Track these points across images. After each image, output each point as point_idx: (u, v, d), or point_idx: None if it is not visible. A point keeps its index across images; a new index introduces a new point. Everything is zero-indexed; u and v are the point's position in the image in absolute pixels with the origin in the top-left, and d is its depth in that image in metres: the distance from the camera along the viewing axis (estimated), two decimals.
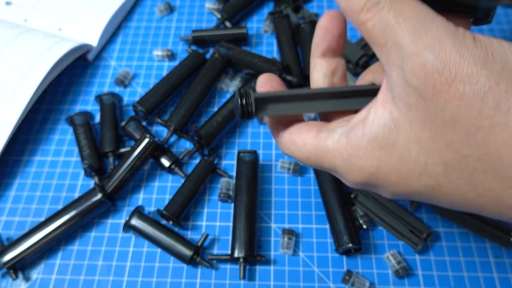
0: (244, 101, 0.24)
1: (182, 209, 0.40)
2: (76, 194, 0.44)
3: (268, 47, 0.54)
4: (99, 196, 0.40)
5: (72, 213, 0.39)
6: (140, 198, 0.43)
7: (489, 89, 0.17)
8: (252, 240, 0.38)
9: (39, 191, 0.44)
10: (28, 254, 0.38)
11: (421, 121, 0.19)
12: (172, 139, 0.47)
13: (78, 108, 0.50)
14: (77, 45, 0.50)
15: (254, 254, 0.38)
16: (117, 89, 0.51)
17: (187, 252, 0.38)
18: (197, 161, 0.45)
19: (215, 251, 0.40)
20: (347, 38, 0.50)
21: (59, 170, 0.45)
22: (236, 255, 0.37)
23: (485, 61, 0.17)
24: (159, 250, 0.40)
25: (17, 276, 0.38)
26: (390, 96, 0.21)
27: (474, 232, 0.39)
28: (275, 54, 0.53)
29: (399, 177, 0.21)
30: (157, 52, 0.53)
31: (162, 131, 0.47)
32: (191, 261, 0.38)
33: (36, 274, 0.39)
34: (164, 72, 0.52)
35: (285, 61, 0.50)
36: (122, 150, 0.45)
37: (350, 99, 0.26)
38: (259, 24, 0.56)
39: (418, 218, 0.40)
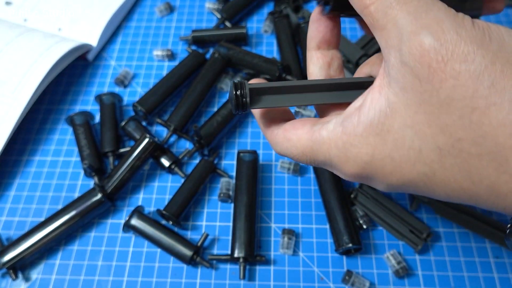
0: (239, 92, 0.24)
1: (182, 209, 0.40)
2: (76, 194, 0.44)
3: (268, 47, 0.54)
4: (99, 196, 0.40)
5: (72, 213, 0.39)
6: (140, 198, 0.43)
7: (485, 69, 0.17)
8: (252, 240, 0.38)
9: (39, 191, 0.44)
10: (28, 254, 0.38)
11: (416, 104, 0.19)
12: (172, 139, 0.47)
13: (78, 108, 0.50)
14: (77, 45, 0.50)
15: (254, 254, 0.38)
16: (117, 89, 0.51)
17: (187, 252, 0.38)
18: (197, 161, 0.45)
19: (215, 251, 0.40)
20: (347, 38, 0.50)
21: (59, 170, 0.45)
22: (236, 255, 0.37)
23: (482, 42, 0.18)
24: (159, 250, 0.40)
25: (17, 276, 0.38)
26: (387, 81, 0.21)
27: (474, 232, 0.39)
28: (275, 54, 0.53)
29: (394, 165, 0.21)
30: (157, 52, 0.53)
31: (162, 131, 0.47)
32: (191, 261, 0.38)
33: (36, 274, 0.39)
34: (164, 72, 0.52)
35: (285, 61, 0.50)
36: (122, 150, 0.45)
37: (347, 91, 0.25)
38: (259, 24, 0.56)
39: (418, 218, 0.40)
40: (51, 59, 0.48)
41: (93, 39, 0.53)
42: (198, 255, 0.38)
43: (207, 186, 0.43)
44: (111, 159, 0.44)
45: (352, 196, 0.41)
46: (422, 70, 0.18)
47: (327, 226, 0.41)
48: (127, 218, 0.39)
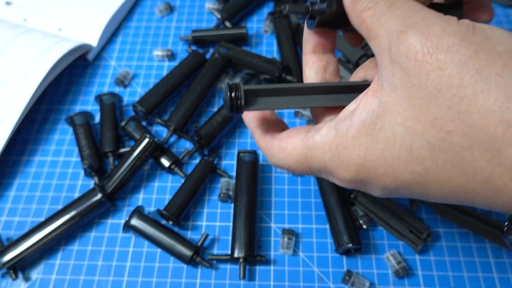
0: (233, 94, 0.24)
1: (182, 209, 0.40)
2: (76, 194, 0.44)
3: (268, 47, 0.54)
4: (99, 196, 0.40)
5: (72, 213, 0.39)
6: (140, 198, 0.43)
7: (469, 58, 0.18)
8: (252, 240, 0.38)
9: (39, 191, 0.44)
10: (28, 254, 0.38)
11: (405, 100, 0.19)
12: (172, 139, 0.47)
13: (78, 108, 0.50)
14: (77, 45, 0.50)
15: (254, 254, 0.38)
16: (117, 89, 0.51)
17: (187, 252, 0.38)
18: (197, 161, 0.45)
19: (215, 251, 0.40)
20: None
21: (59, 170, 0.45)
22: (236, 255, 0.37)
23: (466, 35, 0.18)
24: (159, 250, 0.40)
25: (17, 276, 0.38)
26: (379, 84, 0.21)
27: (474, 232, 0.39)
28: (275, 54, 0.53)
29: (387, 166, 0.21)
30: (157, 52, 0.53)
31: (162, 131, 0.47)
32: (191, 261, 0.38)
33: (36, 274, 0.39)
34: (164, 72, 0.52)
35: (285, 61, 0.50)
36: (122, 150, 0.45)
37: (342, 94, 0.25)
38: (259, 24, 0.56)
39: (418, 218, 0.40)
40: (51, 59, 0.48)
41: (93, 39, 0.53)
42: (198, 255, 0.38)
43: (207, 186, 0.43)
44: (111, 159, 0.44)
45: (352, 196, 0.41)
46: (409, 64, 0.19)
47: (327, 226, 0.41)
48: (127, 218, 0.39)
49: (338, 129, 0.22)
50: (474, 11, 0.29)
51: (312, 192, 0.43)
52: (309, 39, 0.28)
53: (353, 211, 0.40)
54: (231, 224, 0.41)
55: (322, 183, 0.41)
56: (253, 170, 0.42)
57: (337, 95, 0.25)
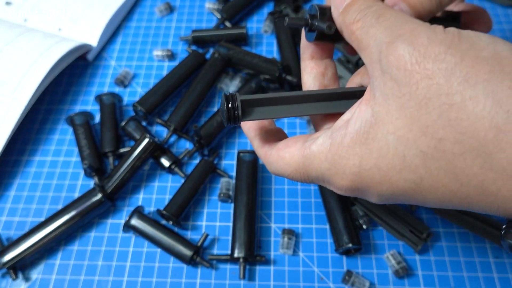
0: (230, 105, 0.24)
1: (182, 209, 0.40)
2: (76, 194, 0.44)
3: (268, 47, 0.54)
4: (99, 196, 0.40)
5: (72, 213, 0.39)
6: (140, 198, 0.43)
7: (455, 65, 0.18)
8: (252, 240, 0.38)
9: (39, 191, 0.44)
10: (28, 254, 0.38)
11: (396, 110, 0.20)
12: (172, 139, 0.47)
13: (78, 108, 0.50)
14: (77, 45, 0.50)
15: (254, 254, 0.38)
16: (117, 89, 0.51)
17: (187, 252, 0.38)
18: (197, 161, 0.45)
19: (215, 251, 0.40)
20: None
21: (59, 170, 0.45)
22: (236, 255, 0.37)
23: (451, 43, 0.19)
24: (159, 250, 0.40)
25: (17, 276, 0.38)
26: (372, 94, 0.21)
27: (474, 232, 0.39)
28: (275, 54, 0.53)
29: (381, 175, 0.21)
30: (157, 52, 0.53)
31: (162, 131, 0.47)
32: (191, 261, 0.38)
33: (36, 274, 0.39)
34: (164, 72, 0.52)
35: (285, 61, 0.50)
36: (122, 150, 0.45)
37: (338, 101, 0.26)
38: (259, 24, 0.56)
39: (418, 218, 0.40)
40: (51, 59, 0.48)
41: (93, 39, 0.53)
42: (198, 255, 0.38)
43: (207, 186, 0.43)
44: (111, 159, 0.44)
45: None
46: (399, 74, 0.19)
47: (327, 226, 0.41)
48: (127, 218, 0.39)
49: (333, 138, 0.23)
50: (471, 23, 0.30)
51: (312, 192, 0.43)
52: (307, 45, 0.28)
53: (353, 211, 0.40)
54: (231, 224, 0.41)
55: None
56: (253, 170, 0.42)
57: (334, 102, 0.26)
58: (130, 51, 0.54)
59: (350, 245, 0.37)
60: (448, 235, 0.40)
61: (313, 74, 0.28)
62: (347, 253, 0.39)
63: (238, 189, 0.41)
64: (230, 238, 0.40)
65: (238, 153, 0.43)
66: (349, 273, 0.37)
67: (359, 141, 0.21)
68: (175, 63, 0.52)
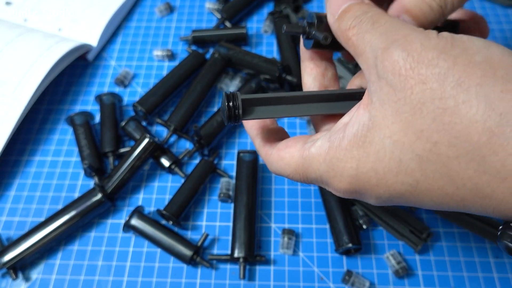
0: (231, 104, 0.24)
1: (182, 209, 0.40)
2: (76, 194, 0.44)
3: (268, 47, 0.54)
4: (99, 196, 0.40)
5: (72, 213, 0.39)
6: (140, 198, 0.43)
7: (448, 70, 0.18)
8: (252, 240, 0.38)
9: (39, 191, 0.44)
10: (28, 254, 0.38)
11: (392, 114, 0.20)
12: (172, 139, 0.47)
13: (78, 108, 0.50)
14: (77, 45, 0.50)
15: (254, 254, 0.38)
16: (117, 89, 0.51)
17: (187, 252, 0.38)
18: (197, 161, 0.45)
19: (215, 251, 0.40)
20: None
21: (59, 170, 0.45)
22: (236, 255, 0.37)
23: (444, 48, 0.19)
24: (159, 250, 0.40)
25: (17, 276, 0.38)
26: (369, 98, 0.22)
27: (474, 233, 0.39)
28: (275, 54, 0.53)
29: (378, 178, 0.21)
30: (157, 52, 0.53)
31: (162, 131, 0.47)
32: (191, 261, 0.38)
33: (36, 274, 0.39)
34: (164, 72, 0.52)
35: (285, 61, 0.50)
36: (122, 150, 0.45)
37: (338, 102, 0.26)
38: (259, 24, 0.56)
39: (418, 218, 0.40)
40: (51, 59, 0.48)
41: (93, 39, 0.53)
42: (198, 255, 0.38)
43: (207, 186, 0.43)
44: (111, 159, 0.44)
45: None
46: (394, 79, 0.20)
47: (327, 226, 0.41)
48: (127, 218, 0.39)
49: (331, 141, 0.23)
50: (469, 31, 0.30)
51: (312, 192, 0.43)
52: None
53: (353, 211, 0.40)
54: (231, 224, 0.41)
55: None
56: (253, 170, 0.42)
57: (334, 103, 0.26)
58: (130, 51, 0.54)
59: (350, 245, 0.37)
60: (448, 235, 0.40)
61: (313, 74, 0.28)
62: (347, 253, 0.39)
63: (238, 189, 0.41)
64: (230, 238, 0.40)
65: (238, 153, 0.43)
66: (349, 273, 0.37)
67: (357, 144, 0.22)
68: (175, 63, 0.52)
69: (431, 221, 0.40)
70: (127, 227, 0.39)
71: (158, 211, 0.41)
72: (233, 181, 0.43)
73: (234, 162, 0.45)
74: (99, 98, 0.48)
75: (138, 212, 0.40)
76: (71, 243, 0.41)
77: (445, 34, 0.20)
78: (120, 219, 0.42)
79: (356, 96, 0.26)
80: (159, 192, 0.43)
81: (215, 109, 0.49)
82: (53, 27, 0.54)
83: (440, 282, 0.37)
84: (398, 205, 0.40)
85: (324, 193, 0.40)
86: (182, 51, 0.54)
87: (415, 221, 0.39)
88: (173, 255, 0.38)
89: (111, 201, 0.41)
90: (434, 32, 0.20)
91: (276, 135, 0.29)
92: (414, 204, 0.22)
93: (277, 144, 0.27)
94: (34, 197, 0.43)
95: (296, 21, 0.54)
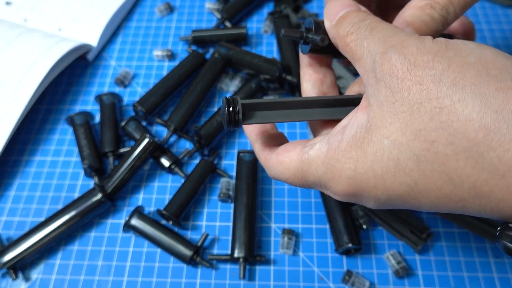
0: (231, 108, 0.24)
1: (182, 209, 0.40)
2: (76, 194, 0.44)
3: (268, 47, 0.54)
4: (99, 196, 0.40)
5: (72, 213, 0.39)
6: (140, 198, 0.43)
7: (443, 71, 0.19)
8: (252, 240, 0.38)
9: (39, 191, 0.44)
10: (28, 254, 0.38)
11: (390, 115, 0.20)
12: (172, 139, 0.47)
13: (78, 108, 0.50)
14: (77, 45, 0.50)
15: (254, 254, 0.38)
16: (117, 89, 0.51)
17: (187, 252, 0.38)
18: (197, 161, 0.45)
19: (215, 251, 0.40)
20: None
21: (59, 170, 0.45)
22: (236, 255, 0.37)
23: (439, 51, 0.20)
24: (159, 250, 0.40)
25: (17, 276, 0.38)
26: (367, 101, 0.22)
27: (474, 232, 0.39)
28: (275, 54, 0.53)
29: (376, 178, 0.21)
30: (157, 52, 0.53)
31: (162, 131, 0.47)
32: (191, 261, 0.38)
33: (36, 274, 0.39)
34: (164, 72, 0.52)
35: (285, 61, 0.50)
36: (122, 150, 0.45)
37: (337, 108, 0.26)
38: (259, 24, 0.56)
39: (418, 218, 0.40)
40: (51, 59, 0.48)
41: (93, 39, 0.53)
42: (198, 255, 0.38)
43: (207, 186, 0.43)
44: (111, 159, 0.44)
45: None
46: (392, 82, 0.20)
47: (327, 226, 0.41)
48: (127, 218, 0.39)
49: (330, 143, 0.23)
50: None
51: (312, 192, 0.43)
52: (305, 54, 0.29)
53: (353, 211, 0.40)
54: (231, 224, 0.41)
55: None
56: (253, 170, 0.42)
57: (333, 108, 0.26)
58: (130, 51, 0.54)
59: (350, 245, 0.37)
60: (448, 235, 0.40)
61: (312, 81, 0.29)
62: (347, 253, 0.39)
63: (238, 189, 0.41)
64: (230, 238, 0.40)
65: (238, 153, 0.43)
66: (349, 273, 0.37)
67: (355, 145, 0.22)
68: (175, 63, 0.52)
69: (431, 221, 0.40)
70: (127, 227, 0.39)
71: (158, 211, 0.41)
72: (233, 181, 0.43)
73: (234, 162, 0.45)
74: (99, 98, 0.48)
75: (138, 212, 0.40)
76: (71, 243, 0.41)
77: (439, 39, 0.21)
78: (120, 219, 0.42)
79: (355, 101, 0.26)
80: (159, 192, 0.43)
81: (215, 109, 0.49)
82: (53, 27, 0.54)
83: (440, 282, 0.37)
84: (396, 209, 0.40)
85: (324, 193, 0.40)
86: (182, 51, 0.54)
87: (415, 221, 0.39)
88: (173, 255, 0.38)
89: (111, 201, 0.41)
90: (429, 37, 0.21)
91: (276, 140, 0.29)
92: (412, 207, 0.22)
93: (276, 149, 0.27)
94: (34, 197, 0.43)
95: (296, 21, 0.54)
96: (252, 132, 0.29)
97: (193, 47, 0.54)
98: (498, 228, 0.20)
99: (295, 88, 0.47)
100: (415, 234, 0.38)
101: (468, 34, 0.33)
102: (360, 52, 0.23)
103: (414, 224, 0.38)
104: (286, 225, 0.41)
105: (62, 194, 0.44)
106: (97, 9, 0.55)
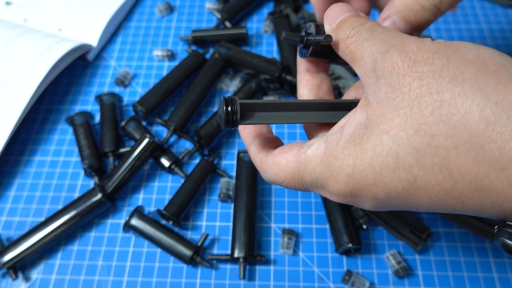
0: (229, 108, 0.24)
1: (182, 209, 0.40)
2: (76, 194, 0.44)
3: (268, 47, 0.54)
4: (99, 196, 0.40)
5: (72, 213, 0.39)
6: (140, 198, 0.43)
7: (443, 67, 0.20)
8: (252, 240, 0.38)
9: (39, 191, 0.44)
10: (28, 254, 0.38)
11: (390, 111, 0.21)
12: (172, 139, 0.47)
13: (78, 108, 0.50)
14: (77, 45, 0.50)
15: (254, 254, 0.38)
16: (117, 89, 0.51)
17: (187, 252, 0.38)
18: (197, 161, 0.45)
19: (215, 251, 0.40)
20: None
21: (59, 170, 0.45)
22: (236, 255, 0.37)
23: (438, 49, 0.21)
24: (159, 250, 0.40)
25: (17, 276, 0.38)
26: (366, 100, 0.22)
27: (474, 232, 0.39)
28: (275, 54, 0.53)
29: (375, 175, 0.21)
30: (157, 52, 0.53)
31: (162, 131, 0.47)
32: (191, 261, 0.38)
33: (36, 274, 0.39)
34: (164, 72, 0.52)
35: (285, 61, 0.50)
36: (122, 150, 0.45)
37: (334, 111, 0.27)
38: (259, 24, 0.56)
39: (418, 218, 0.40)
40: (51, 59, 0.48)
41: (93, 39, 0.53)
42: (198, 255, 0.38)
43: (207, 186, 0.43)
44: (111, 159, 0.44)
45: None
46: (393, 78, 0.21)
47: (327, 226, 0.41)
48: (127, 218, 0.39)
49: (329, 141, 0.23)
50: None
51: (312, 192, 0.43)
52: (303, 60, 0.29)
53: (353, 211, 0.40)
54: (231, 224, 0.41)
55: None
56: (253, 170, 0.42)
57: (330, 112, 0.27)
58: (130, 51, 0.54)
59: (350, 245, 0.37)
60: (448, 235, 0.40)
61: (309, 86, 0.29)
62: (347, 253, 0.39)
63: (238, 189, 0.41)
64: (230, 238, 0.40)
65: (238, 153, 0.43)
66: (349, 273, 0.37)
67: (354, 141, 0.22)
68: (175, 63, 0.52)
69: (431, 221, 0.40)
70: (127, 227, 0.39)
71: (158, 211, 0.41)
72: (233, 181, 0.43)
73: (234, 162, 0.45)
74: (99, 98, 0.48)
75: (138, 212, 0.40)
76: (71, 243, 0.41)
77: (439, 40, 0.21)
78: (120, 219, 0.42)
79: (352, 106, 0.26)
80: (159, 192, 0.43)
81: (215, 109, 0.49)
82: (53, 27, 0.54)
83: (440, 282, 0.37)
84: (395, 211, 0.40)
85: None
86: (182, 51, 0.54)
87: (415, 221, 0.39)
88: (173, 255, 0.38)
89: (111, 201, 0.41)
90: (428, 38, 0.22)
91: (272, 144, 0.29)
92: (411, 206, 0.22)
93: (272, 151, 0.27)
94: (34, 197, 0.43)
95: (296, 21, 0.54)
96: (248, 135, 0.29)
97: (193, 47, 0.54)
98: (496, 226, 0.20)
99: (295, 88, 0.47)
100: (415, 234, 0.38)
101: None
102: (361, 53, 0.23)
103: (414, 224, 0.38)
104: (286, 225, 0.41)
105: (62, 194, 0.44)
106: (97, 9, 0.55)
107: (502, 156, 0.18)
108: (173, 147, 0.46)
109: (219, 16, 0.55)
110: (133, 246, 0.40)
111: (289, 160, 0.26)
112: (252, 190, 0.41)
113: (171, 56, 0.53)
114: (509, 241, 0.19)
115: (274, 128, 0.47)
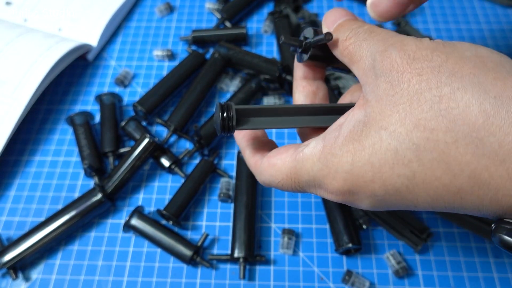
0: (225, 114, 0.24)
1: (182, 209, 0.40)
2: (76, 194, 0.44)
3: (268, 47, 0.54)
4: (99, 196, 0.40)
5: (72, 213, 0.39)
6: (140, 198, 0.43)
7: (441, 63, 0.20)
8: (252, 240, 0.38)
9: (39, 191, 0.44)
10: (28, 254, 0.38)
11: (389, 107, 0.21)
12: (172, 139, 0.47)
13: (78, 108, 0.50)
14: (77, 45, 0.50)
15: (254, 254, 0.38)
16: (117, 89, 0.51)
17: (187, 252, 0.38)
18: (197, 161, 0.45)
19: (215, 251, 0.40)
20: None
21: (59, 170, 0.45)
22: (236, 255, 0.37)
23: (437, 47, 0.21)
24: (159, 250, 0.40)
25: (17, 276, 0.38)
26: (365, 99, 0.23)
27: (474, 232, 0.39)
28: (275, 54, 0.53)
29: (374, 171, 0.21)
30: (157, 52, 0.53)
31: (162, 131, 0.47)
32: (191, 261, 0.38)
33: (36, 274, 0.39)
34: (164, 72, 0.52)
35: (285, 61, 0.50)
36: (122, 150, 0.45)
37: (330, 115, 0.27)
38: (259, 24, 0.56)
39: (418, 218, 0.40)
40: (51, 59, 0.48)
41: (93, 39, 0.53)
42: (198, 255, 0.38)
43: (207, 186, 0.43)
44: (111, 159, 0.44)
45: None
46: (392, 76, 0.21)
47: (327, 226, 0.41)
48: (127, 218, 0.39)
49: (326, 139, 0.24)
50: None
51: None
52: (301, 65, 0.29)
53: (353, 211, 0.40)
54: (231, 224, 0.41)
55: None
56: None
57: (326, 116, 0.27)
58: (130, 51, 0.55)
59: (350, 245, 0.37)
60: (448, 235, 0.40)
61: (305, 92, 0.29)
62: (347, 253, 0.39)
63: (238, 189, 0.41)
64: (230, 238, 0.40)
65: (238, 153, 0.43)
66: (349, 273, 0.37)
67: (352, 138, 0.22)
68: (175, 63, 0.52)
69: (431, 221, 0.40)
70: (127, 227, 0.39)
71: (158, 211, 0.41)
72: (233, 181, 0.43)
73: (234, 162, 0.45)
74: (99, 98, 0.48)
75: (138, 212, 0.40)
76: (71, 243, 0.41)
77: (437, 40, 0.22)
78: (120, 219, 0.42)
79: (347, 110, 0.26)
80: (159, 192, 0.43)
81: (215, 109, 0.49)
82: (53, 27, 0.54)
83: (440, 282, 0.37)
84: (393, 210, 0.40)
85: None
86: (182, 51, 0.54)
87: (415, 221, 0.39)
88: (173, 255, 0.38)
89: (111, 201, 0.41)
90: (427, 38, 0.22)
91: (266, 146, 0.29)
92: (409, 202, 0.21)
93: (267, 153, 0.28)
94: (34, 197, 0.44)
95: (296, 21, 0.54)
96: (243, 139, 0.29)
97: (193, 47, 0.54)
98: (494, 223, 0.20)
99: None
100: (415, 234, 0.38)
101: None
102: (359, 54, 0.23)
103: (414, 224, 0.38)
104: (286, 225, 0.41)
105: (62, 194, 0.44)
106: (97, 9, 0.55)
107: (502, 149, 0.18)
108: (173, 147, 0.46)
109: (219, 16, 0.55)
110: (133, 246, 0.40)
111: (285, 160, 0.26)
112: (252, 190, 0.41)
113: (171, 56, 0.53)
114: (507, 237, 0.19)
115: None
